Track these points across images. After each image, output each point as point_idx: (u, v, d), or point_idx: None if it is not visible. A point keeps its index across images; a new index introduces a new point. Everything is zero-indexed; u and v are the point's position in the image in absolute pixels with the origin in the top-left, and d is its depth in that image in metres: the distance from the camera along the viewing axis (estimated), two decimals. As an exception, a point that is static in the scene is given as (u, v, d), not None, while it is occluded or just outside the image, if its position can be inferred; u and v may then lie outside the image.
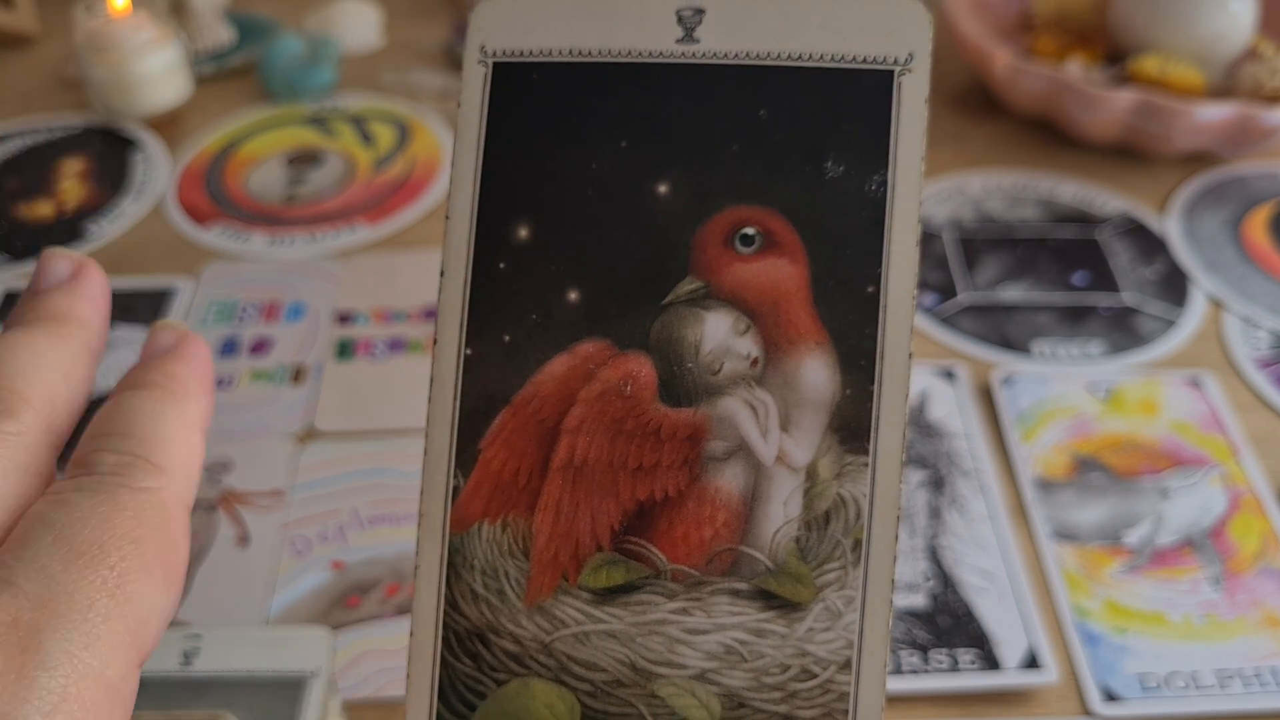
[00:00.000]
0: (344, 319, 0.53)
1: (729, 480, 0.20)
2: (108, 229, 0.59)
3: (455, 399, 0.21)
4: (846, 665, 0.19)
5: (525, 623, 0.20)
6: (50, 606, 0.16)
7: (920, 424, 0.47)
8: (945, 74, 0.70)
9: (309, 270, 0.56)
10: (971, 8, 0.66)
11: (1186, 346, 0.51)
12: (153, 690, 0.31)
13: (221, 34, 0.74)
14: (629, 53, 0.21)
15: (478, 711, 0.20)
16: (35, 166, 0.65)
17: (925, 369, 0.49)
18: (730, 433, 0.20)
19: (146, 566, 0.17)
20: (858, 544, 0.19)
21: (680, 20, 0.21)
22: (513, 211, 0.21)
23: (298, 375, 0.50)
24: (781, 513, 0.20)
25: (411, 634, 0.20)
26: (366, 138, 0.66)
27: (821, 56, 0.21)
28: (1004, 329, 0.52)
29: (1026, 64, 0.60)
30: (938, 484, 0.44)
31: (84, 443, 0.19)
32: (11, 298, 0.54)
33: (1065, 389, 0.48)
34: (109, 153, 0.65)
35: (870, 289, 0.20)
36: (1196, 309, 0.53)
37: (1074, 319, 0.53)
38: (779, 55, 0.21)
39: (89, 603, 0.16)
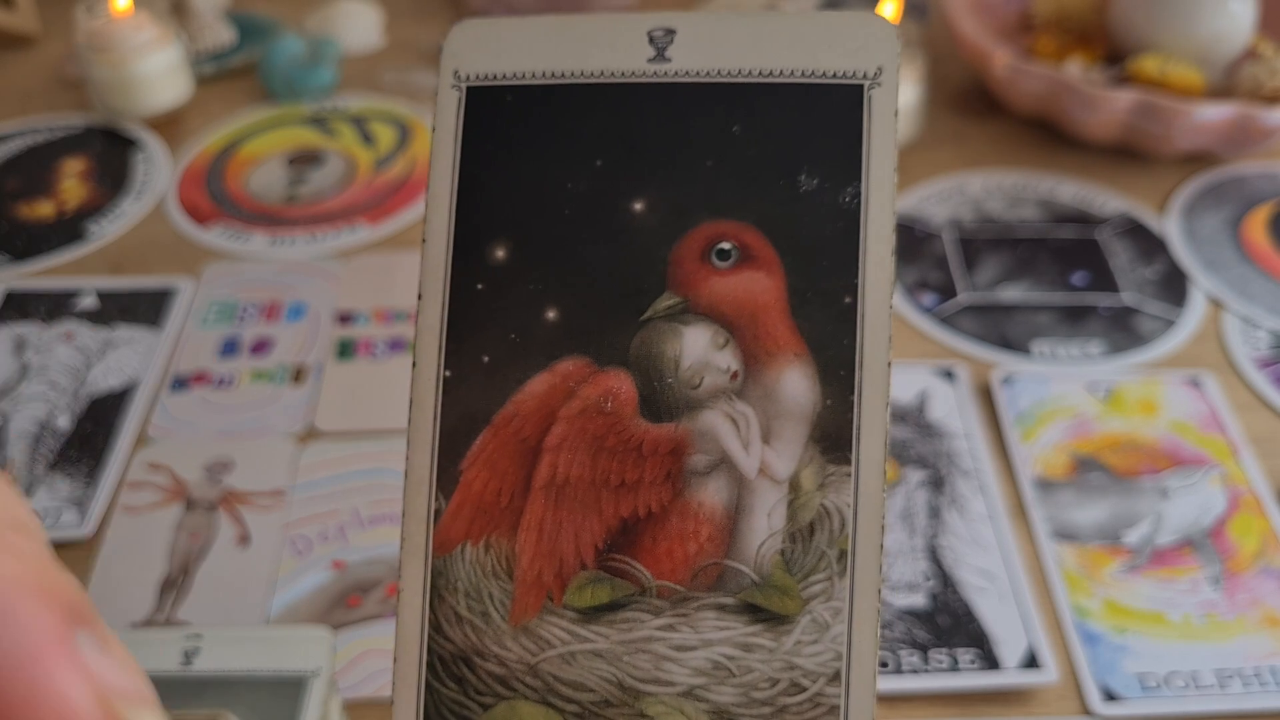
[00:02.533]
0: (344, 319, 0.53)
1: (712, 494, 0.20)
2: (108, 229, 0.60)
3: (435, 421, 0.21)
4: (836, 677, 0.19)
5: (510, 644, 0.20)
6: None
7: (920, 424, 0.47)
8: (945, 74, 0.70)
9: (309, 270, 0.56)
10: (971, 8, 0.66)
11: (1186, 346, 0.51)
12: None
13: (222, 34, 0.74)
14: (602, 73, 0.21)
15: None
16: (36, 166, 0.65)
17: (925, 369, 0.49)
18: (712, 446, 0.20)
19: None
20: (843, 554, 0.19)
21: (652, 40, 0.21)
22: (490, 232, 0.21)
23: (298, 375, 0.50)
24: (766, 525, 0.20)
25: (395, 660, 0.20)
26: (367, 138, 0.66)
27: (792, 72, 0.21)
28: (1004, 329, 0.52)
29: (1026, 64, 0.60)
30: (938, 484, 0.44)
31: None
32: (12, 297, 0.54)
33: (1065, 389, 0.48)
34: (110, 153, 0.66)
35: (847, 299, 0.20)
36: (1196, 309, 0.53)
37: (1074, 319, 0.53)
38: (750, 72, 0.21)
39: None
